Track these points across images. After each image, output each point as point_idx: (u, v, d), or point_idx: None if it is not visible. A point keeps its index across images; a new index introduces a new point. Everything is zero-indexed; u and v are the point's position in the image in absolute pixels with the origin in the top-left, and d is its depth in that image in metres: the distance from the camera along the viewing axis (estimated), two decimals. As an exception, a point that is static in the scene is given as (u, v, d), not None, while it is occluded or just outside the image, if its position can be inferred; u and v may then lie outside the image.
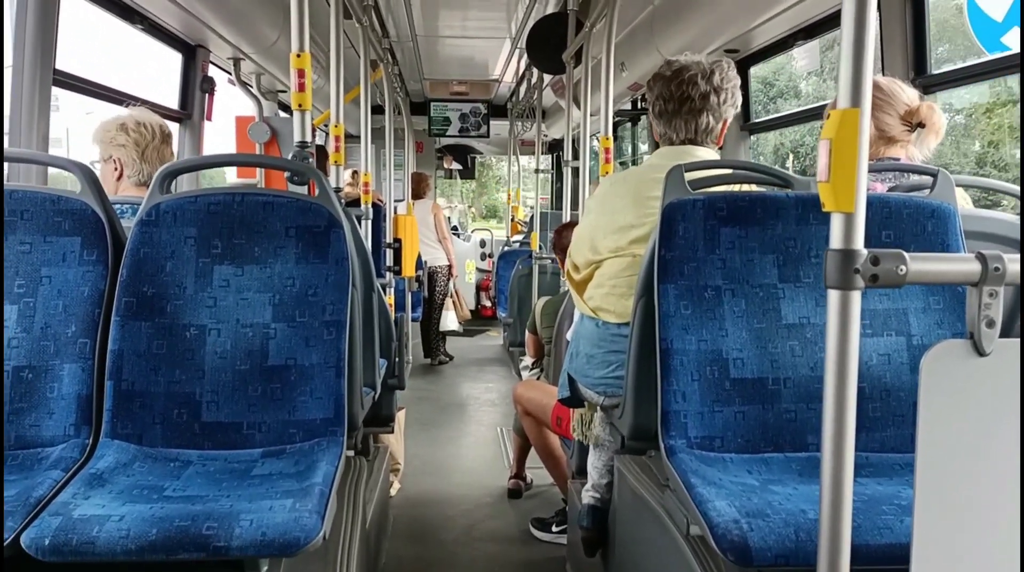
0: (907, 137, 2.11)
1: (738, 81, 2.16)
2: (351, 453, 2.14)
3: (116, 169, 2.39)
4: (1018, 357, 1.01)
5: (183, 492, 1.58)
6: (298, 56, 2.25)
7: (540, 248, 6.04)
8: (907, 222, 1.77)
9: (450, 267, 7.32)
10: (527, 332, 4.49)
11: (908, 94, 2.12)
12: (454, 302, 7.45)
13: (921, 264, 1.02)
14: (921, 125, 2.09)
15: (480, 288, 9.76)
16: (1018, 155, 4.03)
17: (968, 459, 1.01)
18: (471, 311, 8.57)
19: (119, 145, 2.36)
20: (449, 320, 7.34)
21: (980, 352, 1.01)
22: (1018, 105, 2.54)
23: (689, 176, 1.83)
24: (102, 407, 1.78)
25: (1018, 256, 1.04)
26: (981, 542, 1.01)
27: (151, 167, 2.36)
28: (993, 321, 1.01)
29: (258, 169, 3.67)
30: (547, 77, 6.19)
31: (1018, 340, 1.03)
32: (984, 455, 1.01)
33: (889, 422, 1.72)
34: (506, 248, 8.36)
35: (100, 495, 1.54)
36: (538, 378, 4.17)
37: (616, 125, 7.54)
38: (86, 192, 1.86)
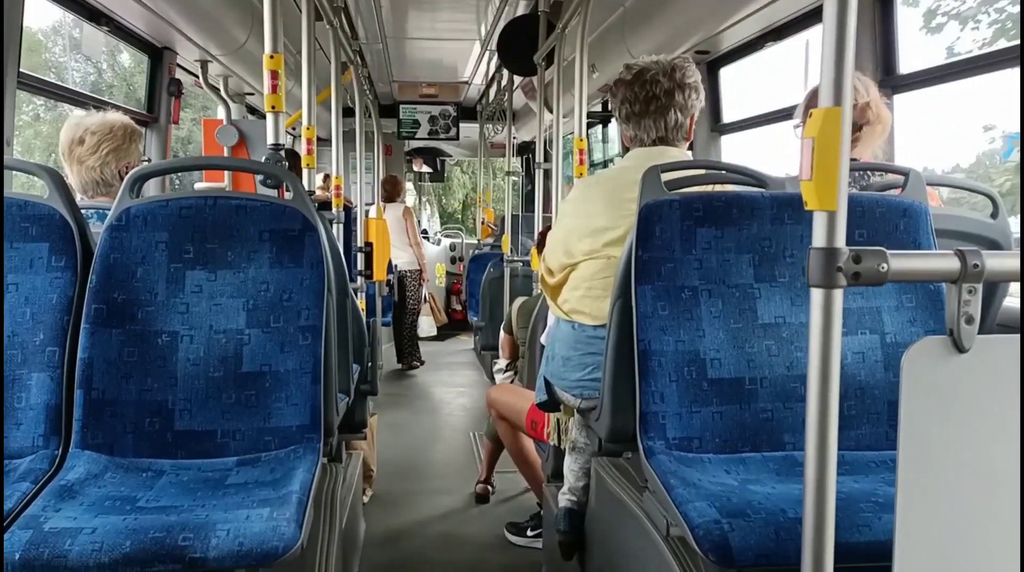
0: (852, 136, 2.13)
1: (699, 76, 2.19)
2: (325, 460, 2.11)
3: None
4: (997, 353, 1.02)
5: (157, 503, 1.55)
6: (271, 57, 2.22)
7: (511, 251, 6.03)
8: (880, 221, 1.79)
9: (421, 271, 7.28)
10: (502, 332, 4.49)
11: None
12: (431, 307, 7.41)
13: (902, 261, 1.03)
14: (859, 127, 2.12)
15: (451, 292, 9.73)
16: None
17: (950, 456, 1.01)
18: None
19: None
20: (426, 325, 7.31)
21: (960, 349, 1.02)
22: (1018, 108, 2.58)
23: (664, 177, 1.83)
24: (71, 417, 1.74)
25: (995, 253, 1.05)
26: (964, 538, 1.02)
27: (70, 174, 2.33)
28: (972, 318, 1.02)
29: (226, 172, 3.63)
30: (517, 79, 6.18)
31: (998, 336, 1.04)
32: (966, 451, 1.02)
33: (864, 420, 1.73)
34: (476, 252, 8.34)
35: (71, 507, 1.50)
36: (511, 381, 4.16)
37: (588, 126, 7.54)
38: (54, 197, 1.81)
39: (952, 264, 1.03)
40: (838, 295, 1.02)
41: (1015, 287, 2.17)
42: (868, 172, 2.09)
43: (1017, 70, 2.43)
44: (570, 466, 2.35)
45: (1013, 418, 1.02)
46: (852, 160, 2.15)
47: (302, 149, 2.92)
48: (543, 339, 2.67)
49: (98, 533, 1.38)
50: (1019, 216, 2.76)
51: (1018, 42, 2.30)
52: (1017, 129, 2.98)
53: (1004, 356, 1.03)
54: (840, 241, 1.01)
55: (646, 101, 2.15)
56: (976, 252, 1.03)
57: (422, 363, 7.34)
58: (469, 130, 9.28)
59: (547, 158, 4.65)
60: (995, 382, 1.02)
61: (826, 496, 1.06)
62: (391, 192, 7.22)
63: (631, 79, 2.17)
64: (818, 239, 1.01)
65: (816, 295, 1.03)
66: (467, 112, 9.18)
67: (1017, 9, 2.52)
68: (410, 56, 7.00)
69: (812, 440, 1.06)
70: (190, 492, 1.61)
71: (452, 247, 10.34)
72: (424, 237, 9.43)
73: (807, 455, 1.07)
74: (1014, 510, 1.03)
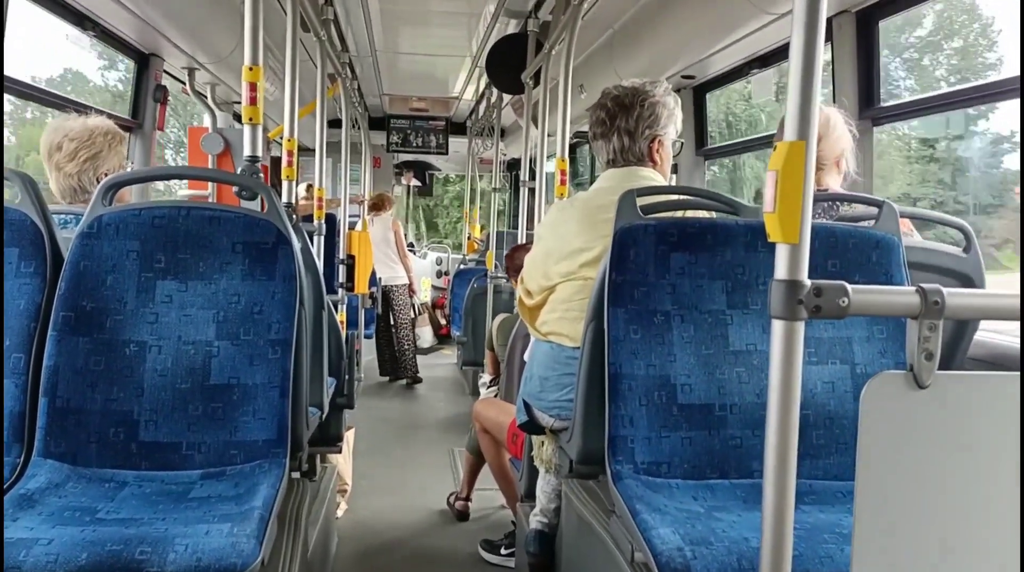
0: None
1: (666, 100, 2.18)
2: (296, 474, 2.09)
3: None
4: (956, 390, 1.03)
5: (117, 515, 1.53)
6: (250, 69, 2.21)
7: (496, 267, 6.03)
8: (852, 252, 1.80)
9: (410, 285, 7.23)
10: (486, 349, 4.49)
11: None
12: (429, 317, 7.36)
13: (863, 296, 1.04)
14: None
15: (435, 306, 9.71)
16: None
17: (906, 490, 1.01)
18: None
19: None
20: (427, 336, 7.22)
21: (919, 384, 1.02)
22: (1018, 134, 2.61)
23: (640, 201, 1.84)
24: (35, 425, 1.72)
25: (957, 290, 1.06)
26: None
27: (50, 179, 2.32)
28: (932, 354, 1.03)
29: (210, 182, 3.62)
30: (506, 96, 6.21)
31: (957, 373, 1.05)
32: (923, 486, 1.02)
33: (832, 450, 1.74)
34: (462, 266, 8.33)
35: (29, 517, 1.48)
36: (496, 395, 4.15)
37: (575, 146, 7.58)
38: (25, 202, 1.80)
39: (912, 300, 1.03)
40: (799, 327, 1.02)
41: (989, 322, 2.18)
42: (836, 203, 2.10)
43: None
44: (543, 487, 2.34)
45: (971, 454, 1.03)
46: (821, 191, 2.16)
47: (283, 160, 2.91)
48: (526, 356, 2.66)
49: (54, 544, 1.36)
50: (1019, 248, 2.77)
51: (992, 79, 2.33)
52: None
53: (964, 393, 1.04)
54: (802, 274, 1.01)
55: (597, 124, 2.21)
56: (937, 289, 1.03)
57: (420, 380, 7.14)
58: (458, 145, 9.30)
59: (533, 176, 4.66)
60: (953, 418, 1.03)
61: (784, 527, 1.06)
62: (378, 203, 7.20)
63: (595, 104, 2.23)
64: (780, 271, 1.02)
65: (778, 326, 1.03)
66: (457, 127, 9.20)
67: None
68: (401, 70, 7.02)
69: (771, 470, 1.06)
70: (151, 504, 1.59)
71: (438, 261, 10.33)
72: (410, 250, 9.43)
73: (766, 484, 1.07)
74: (970, 545, 1.03)
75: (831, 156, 2.25)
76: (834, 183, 2.27)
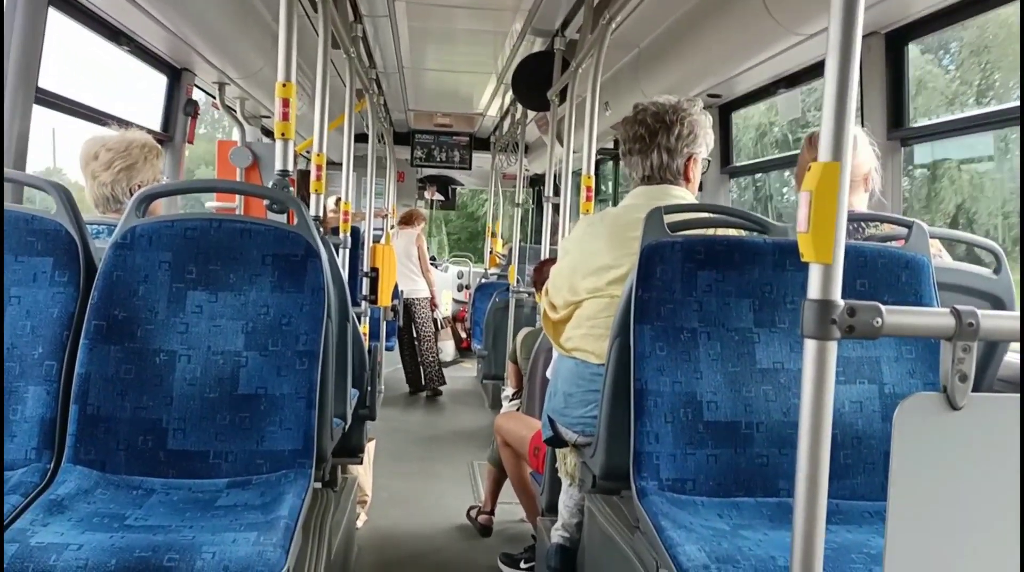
0: None
1: (702, 119, 2.18)
2: (318, 485, 2.10)
3: None
4: (990, 412, 1.02)
5: (145, 521, 1.55)
6: (283, 86, 2.24)
7: (517, 281, 6.04)
8: (882, 272, 1.79)
9: (431, 299, 7.27)
10: (508, 362, 4.49)
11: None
12: (452, 331, 7.41)
13: (897, 317, 1.03)
14: None
15: (456, 319, 9.74)
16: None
17: (939, 512, 1.01)
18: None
19: None
20: (449, 349, 7.26)
21: (953, 406, 1.02)
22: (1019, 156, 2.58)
23: (667, 218, 1.84)
24: (66, 431, 1.74)
25: (991, 312, 1.05)
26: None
27: (86, 188, 2.36)
28: (966, 376, 1.02)
29: (238, 195, 3.66)
30: (531, 113, 6.23)
31: (991, 395, 1.04)
32: (956, 508, 1.01)
33: (860, 469, 1.73)
34: (483, 280, 8.35)
35: (59, 522, 1.50)
36: (518, 409, 4.15)
37: (599, 163, 7.59)
38: (61, 213, 1.83)
39: (947, 321, 1.03)
40: (832, 347, 1.02)
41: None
42: (863, 223, 2.10)
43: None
44: (565, 502, 2.34)
45: (1005, 477, 1.02)
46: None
47: (312, 174, 2.94)
48: (549, 372, 2.66)
49: (84, 550, 1.38)
50: (1019, 260, 2.75)
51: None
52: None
53: (997, 415, 1.03)
54: (835, 294, 1.01)
55: (634, 139, 2.19)
56: (972, 311, 1.03)
57: (440, 393, 7.18)
58: (482, 160, 9.34)
59: (556, 192, 4.67)
60: (987, 440, 1.02)
61: (814, 547, 1.05)
62: (408, 218, 7.29)
63: (630, 118, 2.21)
64: (813, 291, 1.02)
65: (810, 346, 1.03)
66: (481, 142, 9.25)
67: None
68: (426, 86, 7.07)
69: (802, 490, 1.06)
70: (179, 512, 1.61)
71: (459, 275, 10.36)
72: (432, 263, 9.47)
73: (796, 505, 1.06)
74: (1005, 569, 1.02)
75: (857, 175, 2.24)
76: (860, 203, 2.26)
